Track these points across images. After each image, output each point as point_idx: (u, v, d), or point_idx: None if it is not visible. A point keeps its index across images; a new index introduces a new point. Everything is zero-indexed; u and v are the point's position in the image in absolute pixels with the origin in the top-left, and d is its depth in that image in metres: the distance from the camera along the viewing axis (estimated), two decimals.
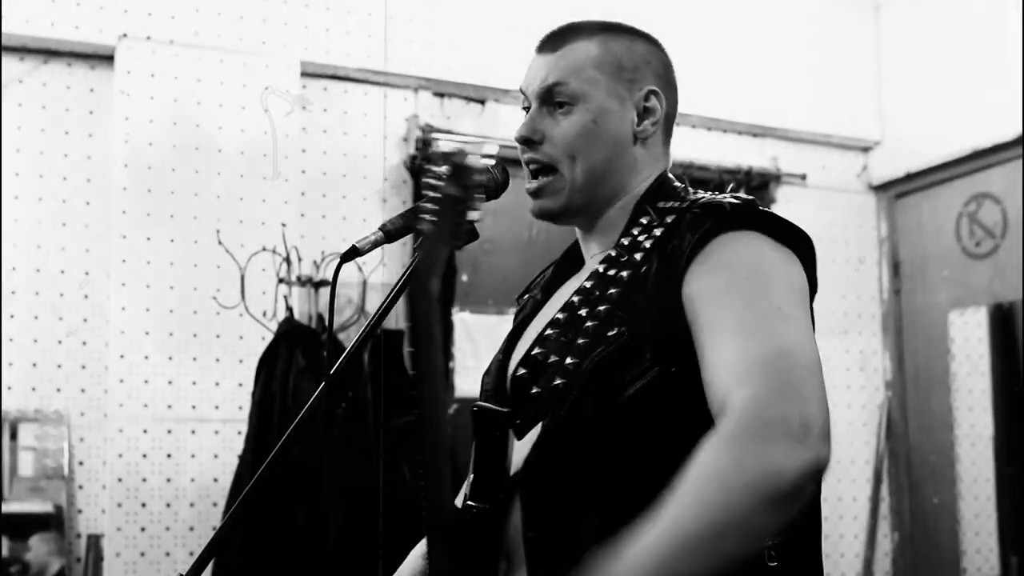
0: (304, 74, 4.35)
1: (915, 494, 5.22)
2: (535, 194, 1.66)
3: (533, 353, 1.60)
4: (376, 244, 1.56)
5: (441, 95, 4.62)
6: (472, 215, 1.30)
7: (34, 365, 4.03)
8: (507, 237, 4.67)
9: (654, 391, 1.44)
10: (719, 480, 1.23)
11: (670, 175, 1.68)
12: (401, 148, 4.52)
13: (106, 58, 4.13)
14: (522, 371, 1.61)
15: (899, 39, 5.32)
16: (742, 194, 1.58)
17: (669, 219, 1.57)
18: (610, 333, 1.50)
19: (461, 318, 4.54)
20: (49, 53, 4.10)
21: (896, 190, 5.38)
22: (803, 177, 5.25)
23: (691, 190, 1.65)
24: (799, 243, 1.53)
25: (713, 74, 4.93)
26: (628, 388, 1.45)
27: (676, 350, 1.44)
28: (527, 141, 1.64)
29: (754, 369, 1.32)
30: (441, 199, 1.23)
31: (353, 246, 1.55)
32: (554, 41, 1.66)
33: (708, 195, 1.60)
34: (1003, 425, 4.91)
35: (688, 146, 4.94)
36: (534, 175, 1.66)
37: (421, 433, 1.38)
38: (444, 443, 1.39)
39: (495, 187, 1.66)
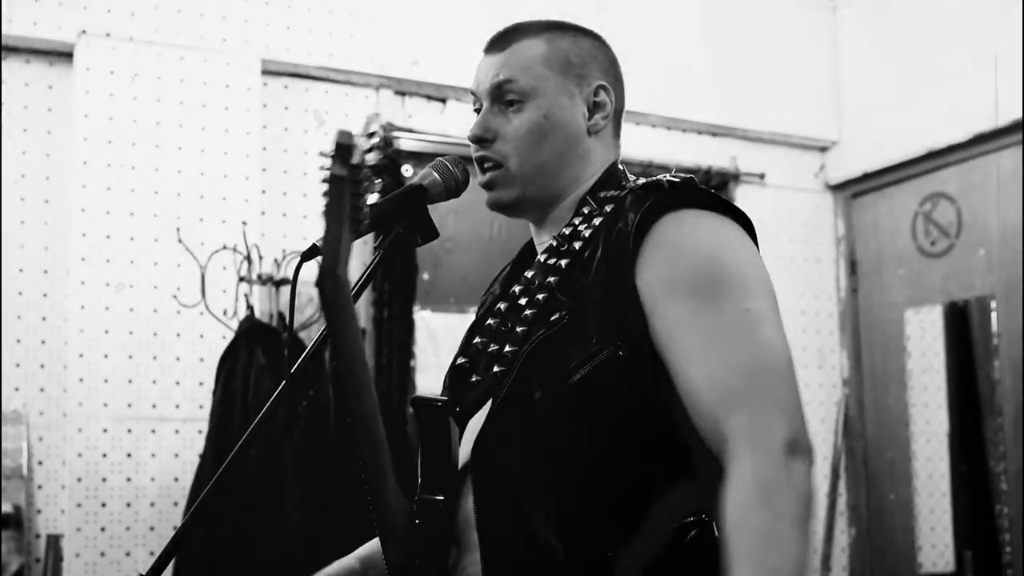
0: (265, 72, 4.34)
1: (872, 490, 5.28)
2: (487, 186, 1.68)
3: (474, 342, 1.63)
4: None
5: (402, 93, 4.63)
6: (368, 197, 1.28)
7: None
8: (468, 236, 4.69)
9: (602, 374, 1.46)
10: (768, 537, 1.28)
11: (620, 166, 1.70)
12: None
13: (65, 55, 4.10)
14: (462, 360, 1.64)
15: (856, 40, 5.38)
16: (680, 173, 1.60)
17: (608, 208, 1.60)
18: (552, 318, 1.52)
19: (422, 316, 4.54)
20: (7, 49, 4.06)
21: (853, 189, 5.44)
22: (762, 176, 5.29)
23: (633, 178, 1.67)
24: (739, 216, 1.56)
25: (672, 74, 4.96)
26: (575, 372, 1.47)
27: (625, 333, 1.46)
28: (479, 140, 1.66)
29: (739, 386, 1.37)
30: (329, 181, 1.21)
31: (314, 244, 1.55)
32: (501, 41, 1.69)
33: (647, 179, 1.63)
34: (958, 422, 4.98)
35: (647, 145, 4.96)
36: (484, 171, 1.68)
37: (354, 431, 1.38)
38: (378, 438, 1.38)
39: (455, 186, 1.68)
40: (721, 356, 1.39)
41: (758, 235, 1.59)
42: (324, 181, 1.21)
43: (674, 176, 1.57)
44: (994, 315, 4.79)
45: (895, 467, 5.16)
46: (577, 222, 1.62)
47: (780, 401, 1.37)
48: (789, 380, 1.40)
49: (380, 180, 1.47)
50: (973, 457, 4.90)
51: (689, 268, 1.45)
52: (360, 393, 1.34)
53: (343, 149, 1.20)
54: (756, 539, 1.28)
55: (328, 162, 1.21)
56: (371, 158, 1.37)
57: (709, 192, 1.55)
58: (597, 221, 1.59)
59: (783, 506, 1.29)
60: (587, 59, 1.68)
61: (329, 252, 1.19)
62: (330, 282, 1.21)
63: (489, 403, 1.55)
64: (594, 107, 1.68)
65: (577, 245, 1.58)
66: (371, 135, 1.38)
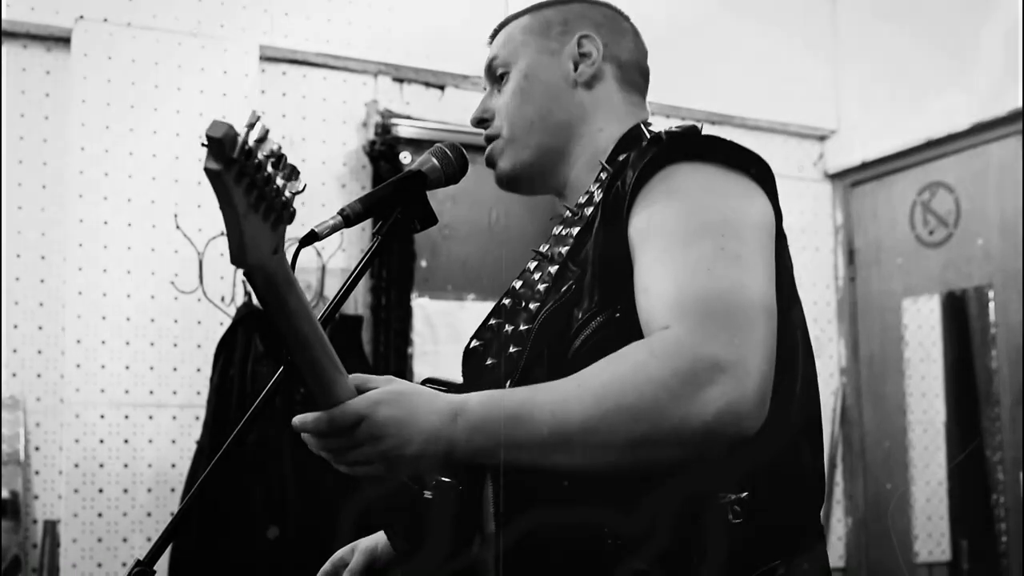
0: (263, 58, 4.33)
1: (869, 479, 5.29)
2: (488, 163, 1.68)
3: (488, 323, 1.61)
4: (335, 229, 1.55)
5: (401, 80, 4.62)
6: (290, 185, 1.22)
7: None
8: (466, 222, 4.68)
9: (600, 339, 1.39)
10: (626, 384, 1.23)
11: (643, 128, 1.63)
12: (360, 133, 4.51)
13: (63, 40, 4.09)
14: (476, 343, 1.62)
15: (855, 29, 5.37)
16: (684, 123, 1.52)
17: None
18: (562, 289, 1.48)
19: (420, 303, 4.54)
20: (5, 35, 4.05)
21: (851, 179, 5.44)
22: None
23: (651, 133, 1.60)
24: (752, 165, 1.46)
25: (671, 62, 4.95)
26: (575, 340, 1.42)
27: (620, 292, 1.39)
28: (479, 121, 1.69)
29: (692, 305, 1.27)
30: (207, 176, 1.15)
31: (312, 231, 1.54)
32: (497, 29, 1.72)
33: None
34: (955, 411, 4.98)
35: None
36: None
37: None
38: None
39: (454, 172, 1.66)
40: (683, 281, 1.29)
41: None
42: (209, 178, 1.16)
43: (676, 128, 1.50)
44: (992, 305, 4.79)
45: (892, 456, 5.17)
46: (594, 189, 1.57)
47: (730, 330, 1.25)
48: (750, 318, 1.28)
49: (290, 167, 1.32)
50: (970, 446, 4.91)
51: (672, 214, 1.37)
52: (322, 377, 1.31)
53: (214, 143, 1.13)
54: (614, 378, 1.23)
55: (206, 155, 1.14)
56: (256, 142, 1.22)
57: (716, 140, 1.45)
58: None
59: (657, 388, 1.21)
60: (572, 17, 1.68)
61: (232, 243, 1.14)
62: (257, 275, 1.18)
63: (508, 385, 1.50)
64: (580, 57, 1.66)
65: (588, 211, 1.53)
66: (254, 121, 1.23)
